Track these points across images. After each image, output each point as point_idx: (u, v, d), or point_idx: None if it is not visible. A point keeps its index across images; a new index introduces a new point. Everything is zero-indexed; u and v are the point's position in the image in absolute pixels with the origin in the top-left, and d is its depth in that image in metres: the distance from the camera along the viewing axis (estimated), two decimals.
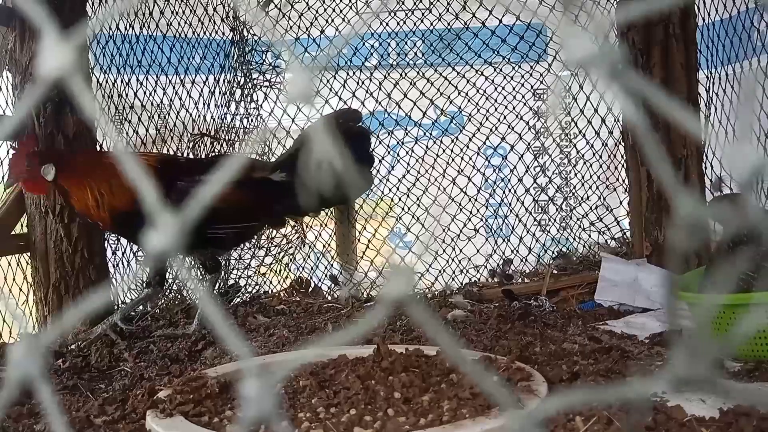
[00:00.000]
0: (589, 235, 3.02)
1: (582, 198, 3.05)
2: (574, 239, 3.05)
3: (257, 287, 3.06)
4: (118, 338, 2.17)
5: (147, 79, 2.92)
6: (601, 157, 2.99)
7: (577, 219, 3.06)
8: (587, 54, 0.30)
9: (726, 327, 1.62)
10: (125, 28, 2.86)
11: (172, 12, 2.96)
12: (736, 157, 0.26)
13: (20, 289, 2.53)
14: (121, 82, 2.84)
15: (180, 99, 2.99)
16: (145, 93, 2.90)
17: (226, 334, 0.36)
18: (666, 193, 2.43)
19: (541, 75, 3.07)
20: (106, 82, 2.75)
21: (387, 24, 3.13)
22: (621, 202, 2.92)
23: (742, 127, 2.30)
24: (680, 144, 2.52)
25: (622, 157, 2.84)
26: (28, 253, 2.52)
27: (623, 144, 2.78)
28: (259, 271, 3.13)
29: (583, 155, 3.05)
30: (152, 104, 2.94)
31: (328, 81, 3.06)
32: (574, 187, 3.09)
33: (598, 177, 3.02)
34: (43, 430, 1.49)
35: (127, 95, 2.85)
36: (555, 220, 3.11)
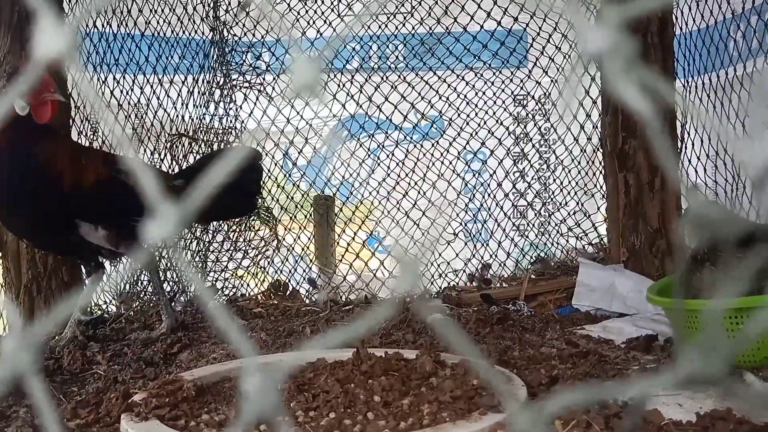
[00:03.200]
0: (567, 241, 3.04)
1: (560, 203, 3.07)
2: (552, 244, 3.07)
3: (234, 290, 3.03)
4: (82, 336, 2.13)
5: (124, 77, 2.88)
6: (579, 163, 3.02)
7: (556, 224, 3.08)
8: (602, 47, 0.29)
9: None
10: (102, 26, 2.82)
11: (151, 10, 2.92)
12: (748, 152, 0.26)
13: None
14: (98, 80, 2.79)
15: (158, 98, 2.95)
16: (122, 92, 2.86)
17: (228, 329, 0.35)
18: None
19: (522, 81, 3.09)
20: (83, 80, 2.70)
21: (368, 27, 3.12)
22: (598, 208, 2.95)
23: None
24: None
25: (600, 163, 2.86)
26: (0, 254, 2.47)
27: (601, 150, 2.81)
28: (236, 274, 3.10)
29: (561, 161, 3.07)
30: (129, 103, 2.89)
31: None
32: (553, 193, 3.12)
33: (577, 183, 3.04)
34: None
35: (103, 94, 2.80)
36: (533, 225, 3.13)
